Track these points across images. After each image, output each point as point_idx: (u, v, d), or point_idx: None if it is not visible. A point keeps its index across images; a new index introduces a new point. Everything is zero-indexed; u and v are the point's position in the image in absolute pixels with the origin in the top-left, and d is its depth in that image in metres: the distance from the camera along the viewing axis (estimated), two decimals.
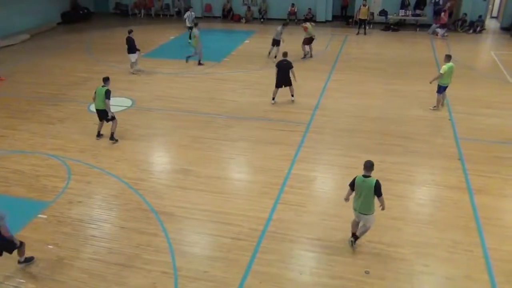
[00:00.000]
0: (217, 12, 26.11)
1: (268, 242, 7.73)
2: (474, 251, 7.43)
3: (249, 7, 25.26)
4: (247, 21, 25.05)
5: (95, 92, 10.98)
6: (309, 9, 24.24)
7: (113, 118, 11.14)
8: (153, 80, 15.86)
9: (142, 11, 26.78)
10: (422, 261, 7.25)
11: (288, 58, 13.27)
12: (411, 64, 17.29)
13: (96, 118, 11.38)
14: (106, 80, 11.04)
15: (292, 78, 13.24)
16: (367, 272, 7.01)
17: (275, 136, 11.45)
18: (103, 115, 11.11)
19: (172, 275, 7.05)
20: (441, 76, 12.33)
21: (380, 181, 7.01)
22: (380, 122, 12.16)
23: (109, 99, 10.83)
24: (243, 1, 25.60)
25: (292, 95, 13.58)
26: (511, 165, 9.98)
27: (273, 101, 13.51)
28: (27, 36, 21.92)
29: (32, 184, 9.57)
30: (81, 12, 26.11)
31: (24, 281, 7.00)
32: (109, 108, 10.96)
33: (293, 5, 24.39)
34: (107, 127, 11.33)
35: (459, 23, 22.41)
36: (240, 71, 16.72)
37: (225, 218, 8.38)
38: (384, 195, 7.85)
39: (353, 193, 7.23)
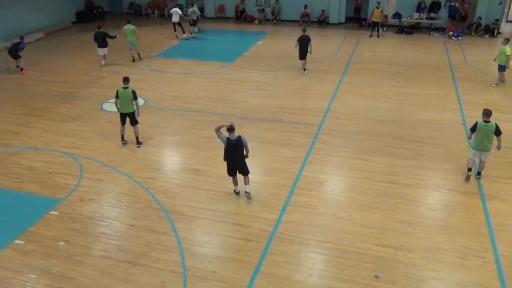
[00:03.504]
0: (230, 13, 26.17)
1: (278, 243, 7.72)
2: (485, 257, 7.34)
3: (262, 9, 25.27)
4: (260, 22, 25.07)
5: (117, 96, 10.65)
6: (323, 10, 24.19)
7: (136, 122, 11.05)
8: (165, 80, 15.95)
9: (156, 11, 26.94)
10: (432, 267, 7.18)
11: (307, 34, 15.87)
12: (424, 67, 17.14)
13: (109, 116, 11.41)
14: (126, 80, 10.70)
15: (309, 50, 15.86)
16: (376, 276, 6.96)
17: (286, 138, 11.44)
18: (131, 117, 10.89)
19: (181, 275, 7.07)
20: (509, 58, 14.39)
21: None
22: (392, 125, 12.08)
23: (137, 99, 10.74)
24: (256, 2, 25.62)
25: (305, 69, 16.20)
26: None
27: (304, 72, 16.17)
28: (42, 35, 22.18)
29: (45, 181, 9.68)
30: (95, 11, 26.36)
31: (35, 276, 7.08)
32: (138, 108, 10.92)
33: (306, 6, 24.35)
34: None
35: (474, 27, 22.18)
36: (252, 72, 16.74)
37: (235, 219, 8.40)
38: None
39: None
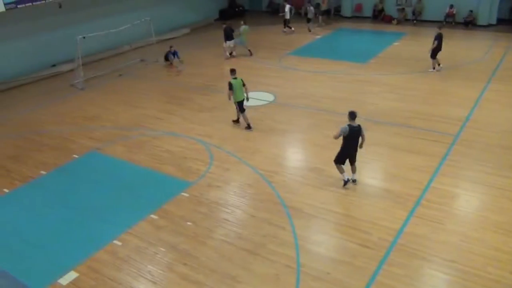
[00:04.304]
0: (368, 12, 25.46)
1: (397, 255, 7.34)
2: None
3: (402, 8, 24.08)
4: (398, 23, 23.94)
5: (231, 88, 11.59)
6: (470, 11, 22.12)
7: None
8: (295, 78, 16.20)
9: (293, 10, 27.42)
10: None
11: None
12: None
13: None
14: (234, 71, 11.85)
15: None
16: None
17: (416, 145, 10.78)
18: (242, 105, 11.92)
19: (295, 270, 7.15)
20: None
21: None
22: None
23: (245, 85, 11.81)
24: (397, 1, 24.48)
25: (439, 65, 15.91)
26: None
27: (440, 67, 15.86)
28: (188, 30, 24.23)
29: (180, 164, 10.58)
30: (236, 9, 27.87)
31: (165, 250, 7.79)
32: (248, 94, 11.93)
33: (451, 6, 22.52)
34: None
35: None
36: (385, 74, 16.09)
37: (354, 223, 8.20)
38: None
39: None
